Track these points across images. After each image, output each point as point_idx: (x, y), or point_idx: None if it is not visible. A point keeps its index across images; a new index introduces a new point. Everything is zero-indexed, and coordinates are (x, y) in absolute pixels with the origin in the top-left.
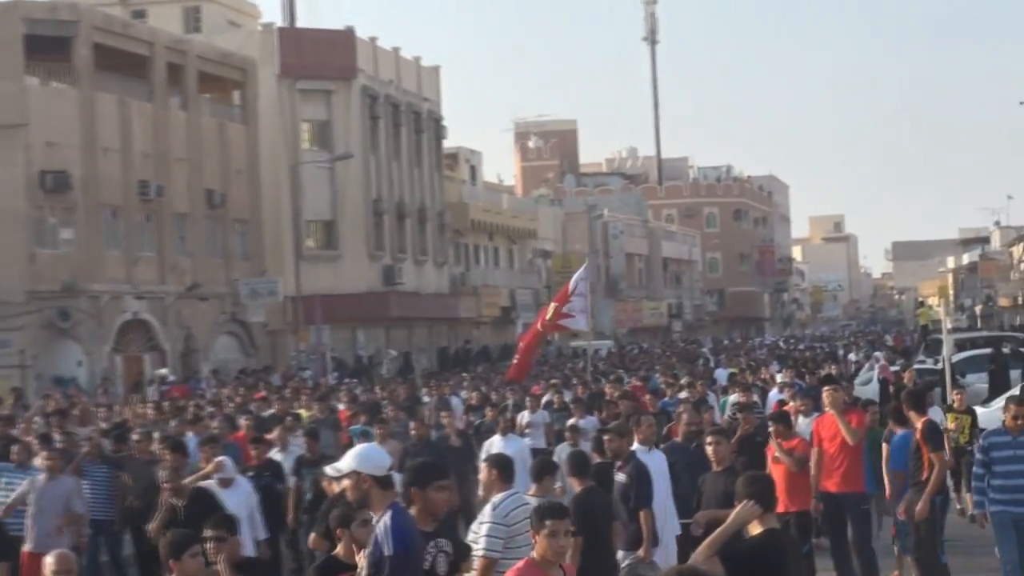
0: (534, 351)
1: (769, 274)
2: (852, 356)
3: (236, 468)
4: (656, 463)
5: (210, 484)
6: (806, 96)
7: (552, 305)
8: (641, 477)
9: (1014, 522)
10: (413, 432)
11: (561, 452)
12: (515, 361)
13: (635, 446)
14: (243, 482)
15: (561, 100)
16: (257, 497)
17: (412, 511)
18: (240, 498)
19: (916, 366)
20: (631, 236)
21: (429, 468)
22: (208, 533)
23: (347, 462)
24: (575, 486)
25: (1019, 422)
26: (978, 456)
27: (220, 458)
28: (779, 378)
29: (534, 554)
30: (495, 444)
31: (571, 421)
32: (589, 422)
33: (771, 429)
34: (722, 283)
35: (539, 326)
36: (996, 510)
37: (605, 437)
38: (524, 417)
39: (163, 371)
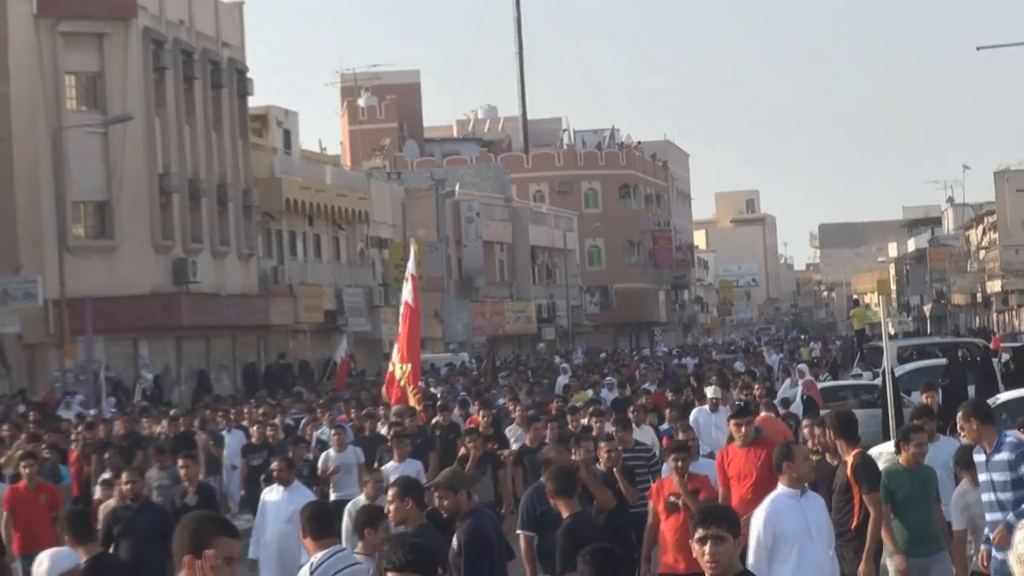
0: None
1: (665, 266)
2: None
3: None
4: (813, 511)
5: None
6: (708, 43)
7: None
8: (474, 544)
9: None
10: (126, 486)
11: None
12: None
13: (781, 489)
14: None
15: (400, 46)
16: None
17: None
18: None
19: (851, 381)
20: (490, 219)
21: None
22: None
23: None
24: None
25: None
26: None
27: None
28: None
29: None
30: (267, 499)
31: (387, 465)
32: (411, 466)
33: (672, 463)
34: (606, 278)
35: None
36: None
37: (436, 494)
38: (329, 458)
39: None
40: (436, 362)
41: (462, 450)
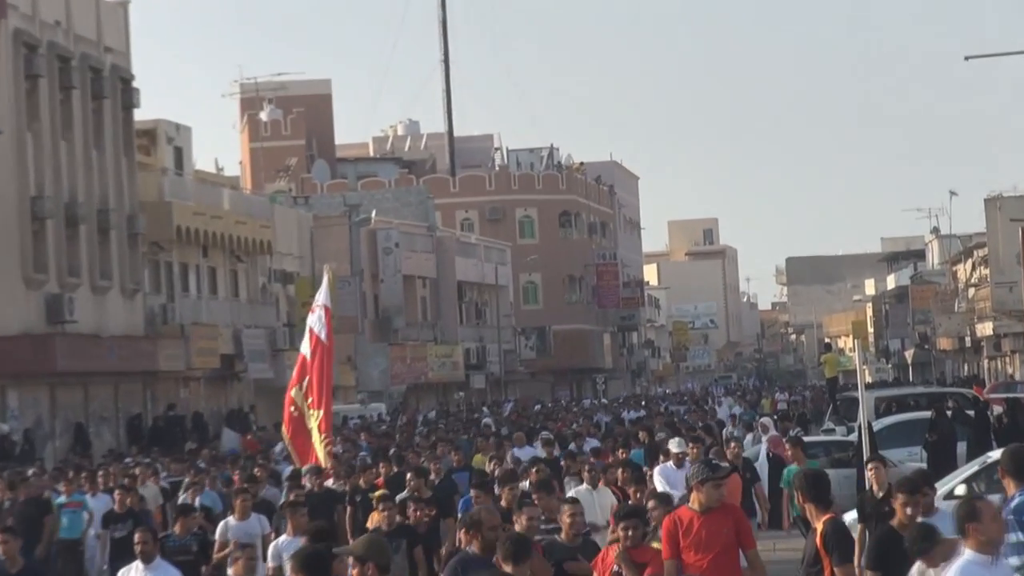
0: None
1: (611, 304)
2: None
3: None
4: None
5: None
6: (660, 51)
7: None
8: None
9: None
10: None
11: None
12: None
13: (969, 556)
14: None
15: (308, 52)
16: None
17: None
18: None
19: (822, 436)
20: (411, 250)
21: None
22: None
23: None
24: None
25: None
26: None
27: None
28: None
29: None
30: None
31: (280, 539)
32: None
33: (621, 531)
34: (543, 318)
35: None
36: None
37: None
38: (228, 527)
39: None
40: (349, 414)
41: (374, 517)
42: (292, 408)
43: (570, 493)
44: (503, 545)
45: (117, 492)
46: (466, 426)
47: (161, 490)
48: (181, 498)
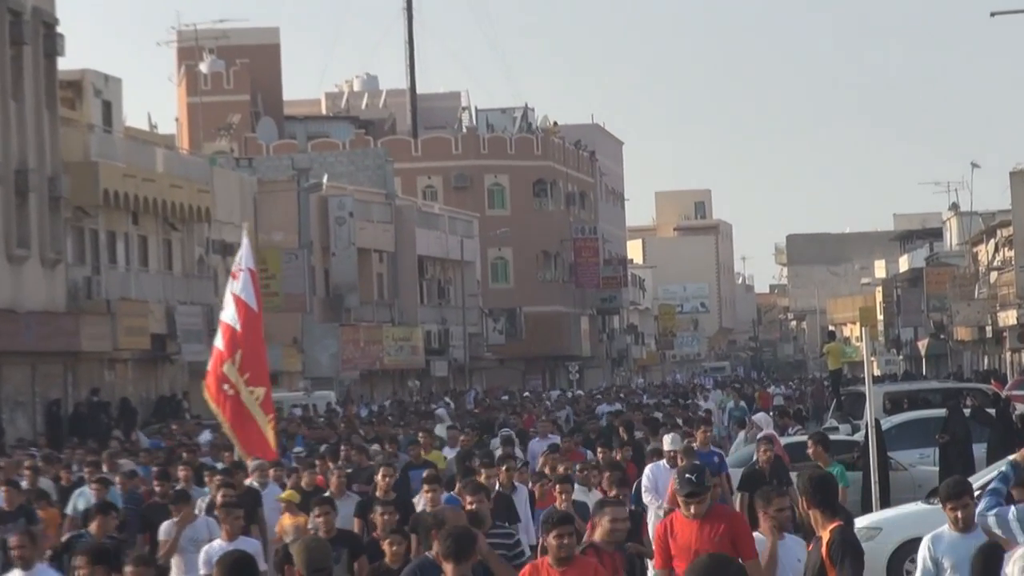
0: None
1: (589, 284)
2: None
3: None
4: None
5: None
6: (647, 6)
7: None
8: None
9: None
10: None
11: None
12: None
13: None
14: None
15: None
16: None
17: None
18: None
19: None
20: (367, 220)
21: None
22: None
23: None
24: None
25: None
26: None
27: None
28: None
29: None
30: None
31: (213, 544)
32: (247, 545)
33: (553, 540)
34: (514, 299)
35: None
36: None
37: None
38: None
39: None
40: (294, 402)
41: (284, 521)
42: (227, 386)
43: None
44: (443, 542)
45: (3, 488)
46: (420, 418)
47: (70, 485)
48: (76, 493)
